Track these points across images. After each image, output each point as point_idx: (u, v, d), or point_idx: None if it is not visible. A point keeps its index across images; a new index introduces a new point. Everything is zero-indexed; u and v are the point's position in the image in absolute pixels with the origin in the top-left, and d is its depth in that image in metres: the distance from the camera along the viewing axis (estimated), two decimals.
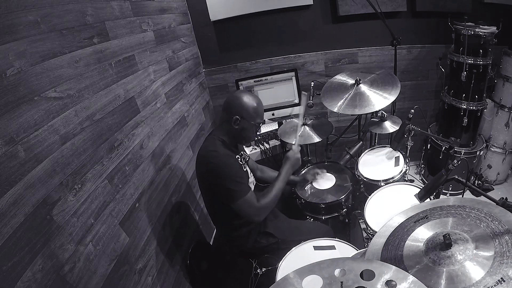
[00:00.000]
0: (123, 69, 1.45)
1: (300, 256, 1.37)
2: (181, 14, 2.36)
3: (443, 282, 0.72)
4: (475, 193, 1.22)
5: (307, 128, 2.05)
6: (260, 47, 2.62)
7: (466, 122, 2.23)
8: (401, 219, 0.99)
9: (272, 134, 2.40)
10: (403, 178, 1.78)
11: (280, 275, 1.28)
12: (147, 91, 1.66)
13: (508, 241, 0.73)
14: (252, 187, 1.65)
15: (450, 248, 0.77)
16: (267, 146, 2.33)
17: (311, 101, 2.17)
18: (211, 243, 2.26)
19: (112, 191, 1.24)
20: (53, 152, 0.97)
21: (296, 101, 2.52)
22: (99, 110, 1.23)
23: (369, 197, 1.60)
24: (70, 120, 1.06)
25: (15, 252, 0.79)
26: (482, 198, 0.99)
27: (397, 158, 1.86)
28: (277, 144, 2.37)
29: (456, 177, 1.14)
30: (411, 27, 2.44)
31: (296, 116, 1.92)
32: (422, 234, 0.88)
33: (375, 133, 2.28)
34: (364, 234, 1.53)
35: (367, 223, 1.48)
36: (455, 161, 1.13)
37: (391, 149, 1.91)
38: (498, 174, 2.53)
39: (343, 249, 1.37)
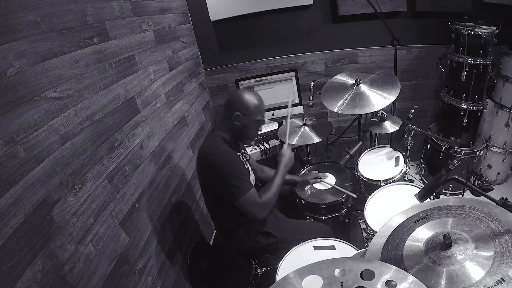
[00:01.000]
0: (123, 69, 1.45)
1: (300, 256, 1.37)
2: (181, 14, 2.36)
3: (443, 282, 0.72)
4: (475, 193, 1.22)
5: (307, 128, 2.05)
6: (260, 47, 2.62)
7: (466, 122, 2.23)
8: (401, 219, 0.99)
9: (272, 134, 2.39)
10: (403, 178, 1.78)
11: (280, 275, 1.28)
12: (147, 91, 1.66)
13: (508, 241, 0.73)
14: (253, 184, 1.65)
15: (450, 248, 0.77)
16: (267, 146, 2.33)
17: (311, 101, 2.18)
18: (211, 243, 2.26)
19: (112, 191, 1.24)
20: (53, 152, 0.97)
21: (296, 101, 2.52)
22: (99, 110, 1.23)
23: (369, 197, 1.60)
24: (70, 120, 1.06)
25: (15, 252, 0.79)
26: (482, 198, 0.99)
27: (397, 158, 1.86)
28: (277, 144, 2.37)
29: (456, 177, 1.14)
30: (411, 27, 2.44)
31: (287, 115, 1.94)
32: (422, 234, 0.88)
33: (375, 133, 2.28)
34: (364, 234, 1.53)
35: (367, 223, 1.48)
36: (455, 161, 1.13)
37: (391, 149, 1.92)
38: (498, 174, 2.53)
39: (343, 249, 1.37)
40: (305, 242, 1.43)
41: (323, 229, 1.70)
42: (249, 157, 1.73)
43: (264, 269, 1.54)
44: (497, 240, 0.75)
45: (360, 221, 1.61)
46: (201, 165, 1.49)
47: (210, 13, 2.44)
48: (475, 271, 0.71)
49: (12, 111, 0.85)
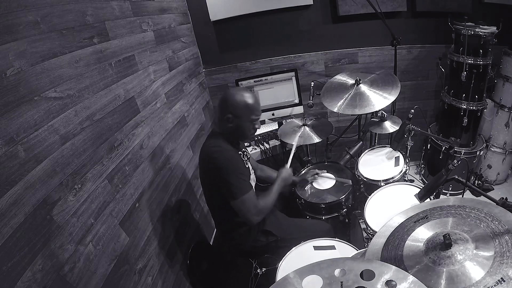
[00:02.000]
0: (123, 69, 1.45)
1: (300, 256, 1.37)
2: (181, 14, 2.35)
3: (443, 282, 0.72)
4: (475, 193, 1.22)
5: (307, 128, 2.05)
6: (260, 47, 2.62)
7: (466, 122, 2.23)
8: (401, 219, 0.99)
9: (272, 134, 2.39)
10: (403, 178, 1.78)
11: (280, 275, 1.28)
12: (147, 91, 1.65)
13: (508, 241, 0.73)
14: (253, 184, 1.65)
15: (450, 248, 0.77)
16: (267, 146, 2.33)
17: (311, 101, 2.18)
18: (211, 243, 2.26)
19: (112, 191, 1.24)
20: (53, 152, 0.97)
21: (296, 101, 2.52)
22: (99, 110, 1.23)
23: (369, 197, 1.60)
24: (70, 120, 1.06)
25: (15, 252, 0.79)
26: (482, 198, 0.99)
27: (397, 158, 1.86)
28: (277, 144, 2.37)
29: (456, 177, 1.14)
30: (411, 27, 2.44)
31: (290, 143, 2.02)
32: (422, 234, 0.88)
33: (375, 133, 2.28)
34: (364, 234, 1.53)
35: (367, 223, 1.48)
36: (455, 161, 1.13)
37: (391, 149, 1.92)
38: (498, 174, 2.53)
39: (343, 249, 1.37)
40: (305, 242, 1.43)
41: (323, 227, 1.70)
42: (250, 156, 1.73)
43: (264, 269, 1.54)
44: (497, 240, 0.75)
45: (360, 221, 1.61)
46: (203, 163, 1.50)
47: (210, 13, 2.44)
48: (475, 271, 0.71)
49: (12, 111, 0.85)
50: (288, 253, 1.38)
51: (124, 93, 1.43)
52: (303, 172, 2.05)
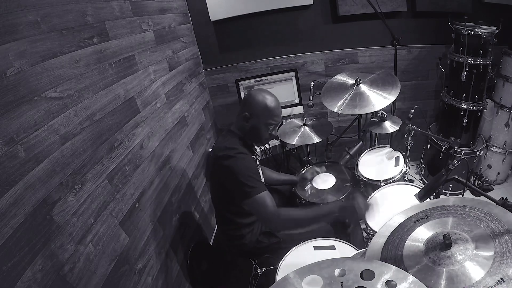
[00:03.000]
0: (123, 69, 1.45)
1: (300, 256, 1.37)
2: (181, 14, 2.35)
3: (443, 282, 0.72)
4: (475, 193, 1.22)
5: (307, 128, 2.05)
6: (260, 47, 2.62)
7: (466, 122, 2.22)
8: (401, 219, 0.99)
9: None
10: (403, 178, 1.78)
11: (280, 275, 1.28)
12: (147, 91, 1.65)
13: (508, 241, 0.73)
14: None
15: (450, 248, 0.77)
16: (267, 146, 2.33)
17: (311, 101, 2.18)
18: (211, 243, 2.26)
19: (112, 191, 1.24)
20: (53, 152, 0.97)
21: (296, 101, 2.52)
22: (99, 110, 1.23)
23: (369, 197, 1.60)
24: (70, 120, 1.06)
25: (15, 252, 0.79)
26: (482, 198, 0.99)
27: (397, 158, 1.86)
28: (277, 144, 2.37)
29: (456, 177, 1.14)
30: (411, 27, 2.44)
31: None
32: (422, 234, 0.88)
33: (375, 133, 2.28)
34: (364, 234, 1.53)
35: (367, 223, 1.48)
36: (455, 161, 1.13)
37: (391, 149, 1.91)
38: (498, 174, 2.53)
39: (343, 249, 1.37)
40: (305, 242, 1.43)
41: (323, 227, 1.69)
42: (260, 160, 1.73)
43: (264, 269, 1.54)
44: (497, 240, 0.75)
45: (360, 221, 1.61)
46: (216, 161, 1.44)
47: (210, 13, 2.44)
48: (475, 271, 0.71)
49: (12, 111, 0.85)
50: (288, 253, 1.38)
51: (124, 93, 1.43)
52: (303, 172, 2.05)
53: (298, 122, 2.15)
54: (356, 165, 1.92)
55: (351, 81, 1.97)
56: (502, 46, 2.16)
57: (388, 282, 0.69)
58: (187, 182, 2.05)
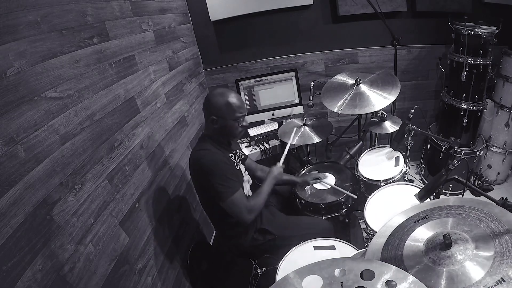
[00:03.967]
0: (123, 69, 1.45)
1: (300, 256, 1.37)
2: (181, 14, 2.35)
3: (443, 282, 0.72)
4: (475, 193, 1.22)
5: (307, 128, 2.05)
6: (260, 47, 2.62)
7: (466, 122, 2.22)
8: (401, 219, 0.99)
9: (272, 134, 2.39)
10: (403, 178, 1.78)
11: (280, 275, 1.28)
12: (147, 91, 1.65)
13: (508, 241, 0.73)
14: (247, 186, 1.65)
15: (450, 248, 0.77)
16: (267, 146, 2.33)
17: (311, 101, 2.18)
18: (211, 243, 2.26)
19: (112, 191, 1.24)
20: (53, 152, 0.97)
21: (296, 101, 2.52)
22: (99, 110, 1.23)
23: (369, 197, 1.60)
24: (70, 120, 1.06)
25: (15, 252, 0.79)
26: (482, 198, 0.99)
27: (397, 158, 1.86)
28: (277, 144, 2.37)
29: (456, 177, 1.14)
30: (411, 27, 2.44)
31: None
32: (422, 234, 0.88)
33: (375, 133, 2.28)
34: (364, 234, 1.53)
35: (367, 223, 1.48)
36: (455, 161, 1.13)
37: (391, 149, 1.91)
38: (498, 174, 2.53)
39: (343, 249, 1.37)
40: (305, 242, 1.43)
41: (323, 225, 1.69)
42: (244, 157, 1.73)
43: (264, 269, 1.54)
44: (497, 240, 0.75)
45: (360, 221, 1.61)
46: (192, 167, 1.52)
47: (210, 13, 2.44)
48: (475, 271, 0.71)
49: (12, 111, 0.85)
50: (288, 253, 1.38)
51: (124, 93, 1.43)
52: (303, 172, 2.05)
53: (298, 122, 2.15)
54: (356, 165, 1.92)
55: (351, 81, 1.97)
56: (502, 46, 2.16)
57: (388, 282, 0.69)
58: (187, 182, 2.05)
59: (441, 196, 2.18)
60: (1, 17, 0.85)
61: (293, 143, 1.98)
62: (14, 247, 0.79)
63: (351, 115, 2.21)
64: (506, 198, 0.94)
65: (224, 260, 1.97)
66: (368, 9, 2.20)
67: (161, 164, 1.70)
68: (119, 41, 1.44)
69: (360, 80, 1.91)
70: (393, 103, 2.17)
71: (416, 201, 1.21)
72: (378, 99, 1.81)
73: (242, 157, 1.70)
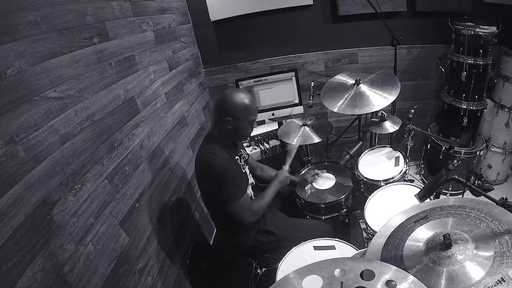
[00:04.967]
0: (123, 69, 1.45)
1: (300, 256, 1.37)
2: (181, 14, 2.35)
3: (443, 282, 0.72)
4: (475, 193, 1.22)
5: (307, 128, 2.05)
6: (260, 47, 2.62)
7: (466, 122, 2.22)
8: (401, 219, 0.99)
9: (272, 134, 2.40)
10: (403, 178, 1.78)
11: (280, 275, 1.28)
12: (147, 91, 1.65)
13: (508, 241, 0.73)
14: (250, 188, 1.65)
15: (450, 248, 0.77)
16: (267, 146, 2.33)
17: (311, 101, 2.18)
18: (211, 243, 2.26)
19: (112, 191, 1.24)
20: (53, 152, 0.97)
21: (296, 101, 2.52)
22: (99, 110, 1.23)
23: (369, 197, 1.60)
24: (70, 120, 1.06)
25: (15, 252, 0.79)
26: (482, 198, 0.99)
27: (397, 158, 1.86)
28: (277, 144, 2.37)
29: (456, 177, 1.14)
30: (411, 27, 2.44)
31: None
32: (422, 234, 0.88)
33: (375, 133, 2.28)
34: (364, 234, 1.53)
35: (367, 223, 1.48)
36: (455, 161, 1.13)
37: (391, 149, 1.91)
38: (498, 174, 2.53)
39: (343, 249, 1.37)
40: (305, 242, 1.43)
41: (323, 227, 1.70)
42: (248, 157, 1.73)
43: (264, 269, 1.54)
44: (497, 240, 0.75)
45: (360, 221, 1.61)
46: (199, 168, 1.52)
47: (210, 13, 2.44)
48: (475, 271, 0.71)
49: (12, 111, 0.85)
50: (288, 253, 1.38)
51: (124, 93, 1.43)
52: (303, 172, 2.05)
53: (298, 122, 2.15)
54: (356, 165, 1.92)
55: (351, 81, 1.97)
56: (502, 46, 2.16)
57: (388, 282, 0.69)
58: (187, 182, 2.05)
59: (441, 196, 2.18)
60: (1, 17, 0.85)
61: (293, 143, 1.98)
62: (14, 247, 0.79)
63: (351, 115, 2.21)
64: (506, 198, 0.94)
65: (224, 260, 1.96)
66: (368, 9, 2.20)
67: (161, 164, 1.70)
68: (119, 41, 1.44)
69: (360, 80, 1.91)
70: (393, 103, 2.17)
71: (416, 201, 1.21)
72: (378, 99, 1.81)
73: (246, 158, 1.70)
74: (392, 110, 2.37)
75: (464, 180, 1.12)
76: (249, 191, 1.63)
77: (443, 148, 2.30)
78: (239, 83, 2.48)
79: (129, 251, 1.28)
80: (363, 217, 1.53)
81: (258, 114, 1.53)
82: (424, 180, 2.71)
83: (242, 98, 1.41)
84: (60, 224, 0.95)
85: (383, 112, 1.90)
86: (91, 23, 1.25)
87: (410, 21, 2.43)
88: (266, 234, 1.61)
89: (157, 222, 1.55)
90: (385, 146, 2.01)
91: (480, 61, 2.04)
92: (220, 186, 1.39)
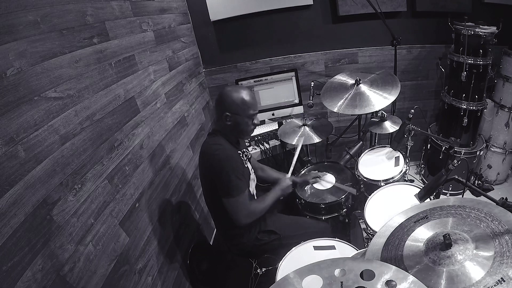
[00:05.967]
0: (123, 69, 1.45)
1: (300, 256, 1.37)
2: (181, 14, 2.35)
3: (443, 282, 0.72)
4: (475, 193, 1.22)
5: (307, 128, 2.05)
6: (260, 47, 2.62)
7: (466, 122, 2.22)
8: (401, 219, 0.99)
9: (272, 134, 2.39)
10: (403, 178, 1.78)
11: (280, 275, 1.28)
12: (147, 91, 1.65)
13: (508, 241, 0.73)
14: (253, 184, 1.65)
15: (450, 248, 0.77)
16: (267, 146, 2.33)
17: (311, 101, 2.18)
18: (211, 243, 2.26)
19: (112, 191, 1.24)
20: (53, 152, 0.97)
21: (296, 101, 2.52)
22: (99, 110, 1.23)
23: (369, 197, 1.60)
24: (70, 120, 1.06)
25: (15, 252, 0.79)
26: (482, 198, 0.99)
27: (397, 158, 1.86)
28: (277, 144, 2.37)
29: (456, 177, 1.14)
30: (411, 27, 2.44)
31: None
32: (422, 234, 0.88)
33: (375, 133, 2.28)
34: (364, 234, 1.53)
35: (367, 223, 1.48)
36: (455, 161, 1.13)
37: (391, 149, 1.91)
38: (498, 174, 2.53)
39: (343, 249, 1.37)
40: (305, 242, 1.43)
41: (323, 227, 1.70)
42: (250, 156, 1.74)
43: (264, 269, 1.54)
44: (497, 240, 0.75)
45: (360, 221, 1.61)
46: (202, 161, 1.51)
47: (210, 13, 2.44)
48: (475, 271, 0.71)
49: (12, 111, 0.85)
50: (288, 253, 1.38)
51: (124, 93, 1.43)
52: (303, 172, 2.05)
53: (298, 122, 2.14)
54: (356, 165, 1.92)
55: (351, 81, 1.97)
56: (502, 46, 2.16)
57: (388, 282, 0.69)
58: (187, 182, 2.05)
59: (441, 196, 2.18)
60: (1, 17, 0.85)
61: (294, 143, 1.98)
62: (14, 247, 0.79)
63: (351, 115, 2.21)
64: (506, 198, 0.94)
65: (224, 260, 1.97)
66: (368, 9, 2.20)
67: (161, 164, 1.70)
68: (119, 41, 1.44)
69: (360, 80, 1.91)
70: (393, 103, 2.17)
71: (416, 201, 1.21)
72: (378, 99, 1.81)
73: (249, 157, 1.71)
74: (392, 110, 2.37)
75: (464, 180, 1.12)
76: (252, 188, 1.63)
77: (443, 148, 2.30)
78: (239, 83, 2.48)
79: (129, 251, 1.28)
80: (363, 217, 1.53)
81: (258, 114, 1.53)
82: (424, 180, 2.71)
83: (240, 92, 1.42)
84: (60, 224, 0.95)
85: (383, 112, 1.90)
86: (91, 23, 1.25)
87: (410, 21, 2.43)
88: (268, 234, 1.61)
89: (157, 222, 1.55)
90: (385, 146, 2.01)
91: (480, 61, 2.04)
92: (222, 175, 1.39)
